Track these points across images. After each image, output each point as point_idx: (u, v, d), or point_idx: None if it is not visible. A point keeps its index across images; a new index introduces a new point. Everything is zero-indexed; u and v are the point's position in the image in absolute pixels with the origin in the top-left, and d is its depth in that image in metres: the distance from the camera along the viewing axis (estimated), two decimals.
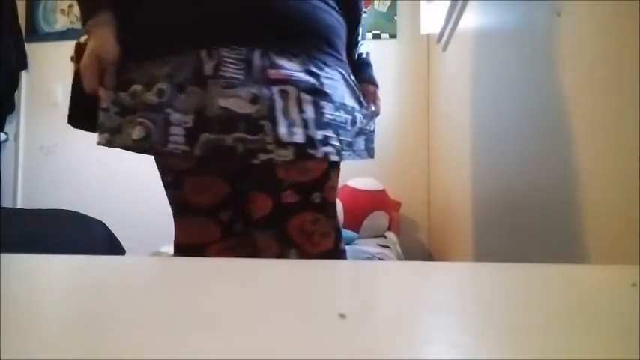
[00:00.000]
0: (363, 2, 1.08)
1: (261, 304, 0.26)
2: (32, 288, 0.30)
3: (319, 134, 0.83)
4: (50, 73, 2.97)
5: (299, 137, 0.81)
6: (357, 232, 2.22)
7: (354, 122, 0.92)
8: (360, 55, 1.11)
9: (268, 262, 0.40)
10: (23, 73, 3.02)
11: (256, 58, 0.82)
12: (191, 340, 0.20)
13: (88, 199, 2.83)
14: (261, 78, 0.81)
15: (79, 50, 0.91)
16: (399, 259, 2.00)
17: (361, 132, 0.96)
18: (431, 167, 2.60)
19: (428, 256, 2.61)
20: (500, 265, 0.38)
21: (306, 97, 0.83)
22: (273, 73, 0.82)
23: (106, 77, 0.88)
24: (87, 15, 0.89)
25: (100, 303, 0.27)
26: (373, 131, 1.03)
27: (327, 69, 0.88)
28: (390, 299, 0.28)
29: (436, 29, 2.12)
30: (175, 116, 0.81)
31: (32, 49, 3.01)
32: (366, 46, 1.13)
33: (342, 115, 0.88)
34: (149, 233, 2.43)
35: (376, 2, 2.74)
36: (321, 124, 0.84)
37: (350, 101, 0.92)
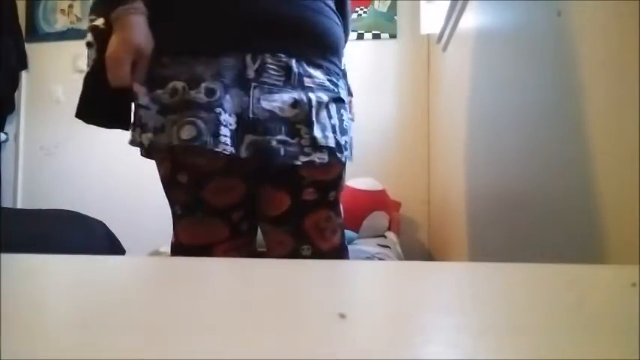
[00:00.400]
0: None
1: (261, 304, 0.26)
2: (32, 288, 0.30)
3: (343, 139, 0.93)
4: (50, 73, 2.97)
5: (331, 141, 0.89)
6: (357, 232, 2.22)
7: (350, 126, 1.00)
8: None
9: (268, 262, 0.40)
10: (23, 73, 3.02)
11: (294, 65, 0.87)
12: (191, 340, 0.20)
13: (88, 199, 2.83)
14: (298, 85, 0.88)
15: (100, 36, 0.83)
16: (399, 259, 1.99)
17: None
18: (431, 167, 2.60)
19: (428, 256, 2.61)
20: (500, 265, 0.38)
21: (332, 103, 0.91)
22: (307, 81, 0.89)
23: (139, 71, 0.83)
24: (117, 1, 0.82)
25: (100, 303, 0.27)
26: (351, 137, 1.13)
27: (340, 80, 0.97)
28: (390, 299, 0.28)
29: (436, 29, 2.12)
30: (224, 116, 0.82)
31: (32, 49, 3.01)
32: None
33: (349, 121, 0.98)
34: (149, 233, 2.43)
35: (376, 2, 2.73)
36: (343, 130, 0.93)
37: (347, 104, 1.01)
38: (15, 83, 2.97)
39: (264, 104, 0.84)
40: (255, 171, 0.95)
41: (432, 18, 2.14)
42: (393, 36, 2.72)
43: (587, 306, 0.26)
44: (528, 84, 0.95)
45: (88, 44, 0.86)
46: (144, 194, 2.64)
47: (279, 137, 0.85)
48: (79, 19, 2.97)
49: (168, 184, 0.93)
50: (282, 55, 0.87)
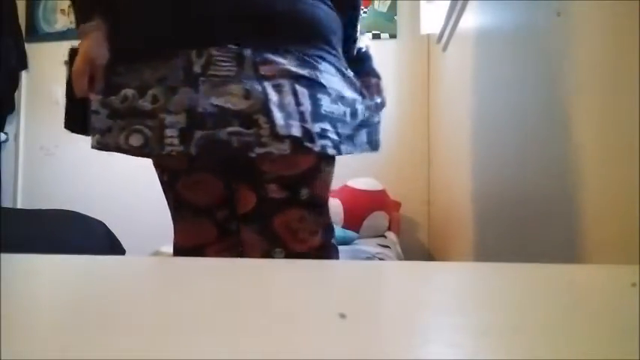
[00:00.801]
0: None
1: (261, 304, 0.26)
2: (32, 288, 0.30)
3: (317, 127, 0.81)
4: (50, 73, 2.97)
5: (296, 130, 0.79)
6: (357, 232, 2.22)
7: (354, 114, 0.90)
8: (360, 49, 1.10)
9: (268, 262, 0.40)
10: (23, 73, 3.02)
11: (247, 55, 0.82)
12: (191, 340, 0.20)
13: (88, 199, 2.83)
14: (253, 74, 0.81)
15: (73, 55, 0.92)
16: (399, 259, 1.99)
17: (363, 124, 0.94)
18: (431, 167, 2.60)
19: (428, 256, 2.61)
20: (500, 265, 0.38)
21: (302, 89, 0.82)
22: (264, 69, 0.81)
23: (96, 81, 0.89)
24: (79, 20, 0.91)
25: (100, 303, 0.27)
26: (378, 123, 1.00)
27: (322, 63, 0.87)
28: (390, 299, 0.28)
29: (436, 29, 2.12)
30: (169, 119, 0.82)
31: (32, 49, 3.01)
32: (364, 41, 1.13)
33: (340, 108, 0.87)
34: (149, 233, 2.43)
35: (376, 2, 2.73)
36: (318, 116, 0.82)
37: (349, 93, 0.90)
38: (15, 83, 2.97)
39: (213, 99, 0.80)
40: (229, 168, 0.94)
41: (432, 18, 2.14)
42: (393, 36, 2.72)
43: (587, 306, 0.26)
44: (528, 84, 0.95)
45: (65, 63, 0.94)
46: (144, 194, 2.64)
47: (230, 129, 0.80)
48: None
49: (161, 184, 1.00)
50: (232, 46, 0.82)
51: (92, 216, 2.11)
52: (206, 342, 0.20)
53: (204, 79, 0.81)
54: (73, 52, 0.92)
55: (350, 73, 0.95)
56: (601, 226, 0.64)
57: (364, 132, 0.95)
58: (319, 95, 0.84)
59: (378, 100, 1.05)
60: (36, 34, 3.03)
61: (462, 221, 1.66)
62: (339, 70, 0.91)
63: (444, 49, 2.05)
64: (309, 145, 0.80)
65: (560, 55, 0.78)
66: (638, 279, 0.30)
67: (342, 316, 0.23)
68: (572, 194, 0.73)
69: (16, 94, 3.00)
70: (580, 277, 0.34)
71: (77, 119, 0.95)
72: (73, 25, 2.94)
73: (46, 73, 2.98)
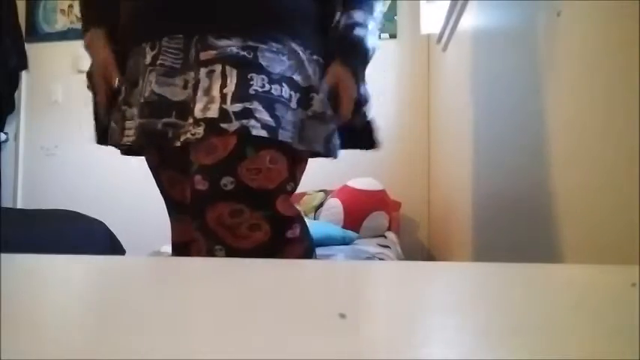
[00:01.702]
0: None
1: (261, 304, 0.26)
2: (32, 288, 0.30)
3: (237, 106, 0.74)
4: (50, 73, 2.97)
5: (212, 112, 0.74)
6: (357, 232, 2.22)
7: (302, 102, 0.81)
8: (348, 26, 0.87)
9: (268, 262, 0.40)
10: (23, 73, 3.02)
11: (192, 45, 0.80)
12: (191, 340, 0.20)
13: (88, 199, 2.83)
14: (194, 62, 0.80)
15: (90, 76, 0.95)
16: (399, 259, 1.99)
17: (319, 118, 0.83)
18: (431, 167, 2.60)
19: (428, 256, 2.61)
20: (500, 265, 0.38)
21: (232, 70, 0.76)
22: (204, 54, 0.78)
23: (112, 84, 0.92)
24: (82, 33, 0.94)
25: (100, 303, 0.27)
26: (334, 129, 0.87)
27: (272, 43, 0.79)
28: (390, 299, 0.28)
29: (436, 29, 2.12)
30: (130, 111, 0.86)
31: (32, 49, 3.01)
32: (370, 24, 0.89)
33: (284, 89, 0.78)
34: (149, 233, 2.43)
35: None
36: (244, 95, 0.75)
37: (299, 77, 0.81)
38: (15, 83, 2.97)
39: (156, 88, 0.80)
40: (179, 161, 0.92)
41: (432, 18, 2.13)
42: (393, 36, 2.72)
43: (587, 306, 0.26)
44: (528, 84, 0.95)
45: (88, 87, 0.96)
46: (144, 194, 2.64)
47: (165, 120, 0.78)
48: (79, 19, 2.97)
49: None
50: (180, 36, 0.81)
51: (92, 216, 2.11)
52: (205, 342, 0.20)
53: (151, 69, 0.82)
54: (90, 74, 0.95)
55: (316, 58, 0.85)
56: (601, 226, 0.64)
57: (322, 130, 0.84)
58: (251, 74, 0.76)
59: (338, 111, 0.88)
60: (36, 34, 3.03)
61: (461, 221, 1.66)
62: (295, 50, 0.82)
63: (444, 49, 2.05)
64: (223, 125, 0.73)
65: (560, 56, 0.78)
66: (638, 279, 0.30)
67: (342, 316, 0.23)
68: (572, 194, 0.73)
69: (16, 94, 3.00)
70: (580, 277, 0.34)
71: (105, 133, 0.97)
72: (73, 25, 2.97)
73: (46, 73, 2.98)
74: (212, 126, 0.74)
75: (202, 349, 0.19)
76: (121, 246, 2.12)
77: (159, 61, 0.81)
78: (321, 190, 2.48)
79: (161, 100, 0.79)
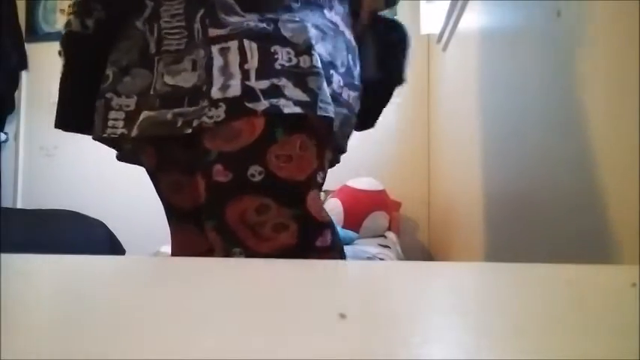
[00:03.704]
0: None
1: (261, 304, 0.26)
2: (32, 288, 0.30)
3: (263, 83, 0.65)
4: (50, 73, 2.97)
5: (234, 90, 0.64)
6: (357, 232, 2.22)
7: (340, 69, 0.75)
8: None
9: (268, 262, 0.40)
10: (23, 73, 3.02)
11: (197, 21, 0.70)
12: (191, 340, 0.20)
13: (88, 199, 2.83)
14: (202, 41, 0.69)
15: (69, 41, 0.80)
16: (399, 259, 1.99)
17: (336, 100, 0.72)
18: (431, 167, 2.60)
19: (428, 256, 2.61)
20: (500, 265, 0.38)
21: (250, 44, 0.67)
22: (212, 31, 0.68)
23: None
24: None
25: (100, 303, 0.27)
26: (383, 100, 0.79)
27: (294, 13, 0.71)
28: (390, 299, 0.28)
29: (436, 29, 2.12)
30: (116, 101, 0.73)
31: (32, 49, 3.01)
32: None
33: (313, 58, 0.69)
34: (149, 233, 2.43)
35: None
36: (270, 71, 0.66)
37: (323, 50, 0.72)
38: (15, 83, 2.98)
39: (167, 78, 0.70)
40: (186, 157, 0.82)
41: (432, 18, 2.13)
42: None
43: (587, 306, 0.26)
44: (528, 84, 0.95)
45: (59, 53, 0.82)
46: (144, 194, 2.64)
47: (176, 110, 0.68)
48: None
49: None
50: (180, 8, 0.70)
51: (92, 216, 2.11)
52: (205, 342, 0.20)
53: (159, 58, 0.72)
54: (68, 38, 0.80)
55: (347, 35, 0.79)
56: (601, 226, 0.64)
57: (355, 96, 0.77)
58: (274, 47, 0.67)
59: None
60: (36, 34, 3.03)
61: (461, 221, 1.66)
62: (317, 22, 0.73)
63: (444, 49, 2.05)
64: (249, 105, 0.64)
65: (560, 56, 0.78)
66: (638, 279, 0.30)
67: (342, 316, 0.23)
68: (571, 194, 0.73)
69: (16, 94, 3.00)
70: (580, 277, 0.34)
71: (71, 115, 0.84)
72: None
73: (46, 73, 2.98)
74: (235, 106, 0.64)
75: (202, 349, 0.19)
76: (121, 246, 2.13)
77: (163, 48, 0.71)
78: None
79: (174, 90, 0.69)
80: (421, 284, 0.32)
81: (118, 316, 0.24)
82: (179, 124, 0.67)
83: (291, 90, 0.65)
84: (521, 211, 0.98)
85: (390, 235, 2.32)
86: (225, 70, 0.66)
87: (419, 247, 2.65)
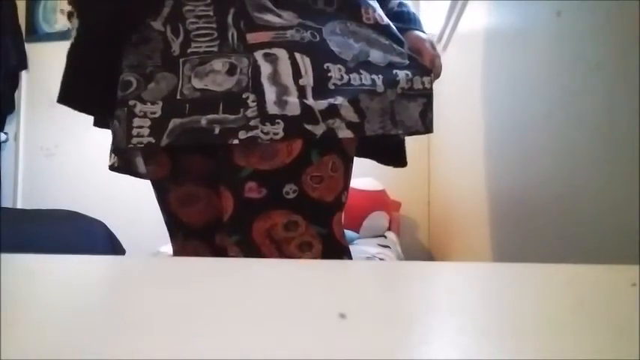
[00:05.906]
0: None
1: (261, 304, 0.26)
2: (32, 288, 0.30)
3: (322, 103, 0.64)
4: (50, 73, 2.97)
5: (293, 108, 0.63)
6: (357, 232, 2.22)
7: (391, 83, 0.71)
8: (396, 5, 0.89)
9: (268, 262, 0.40)
10: (23, 73, 3.02)
11: (230, 22, 0.66)
12: (191, 340, 0.20)
13: (88, 199, 2.83)
14: (239, 45, 0.66)
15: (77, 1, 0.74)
16: (399, 259, 1.99)
17: (408, 95, 0.73)
18: (431, 167, 2.60)
19: (428, 256, 2.61)
20: (500, 265, 0.38)
21: (303, 57, 0.65)
22: (252, 37, 0.65)
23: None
24: None
25: (100, 303, 0.27)
26: (427, 103, 0.79)
27: (334, 21, 0.69)
28: (390, 299, 0.28)
29: (436, 29, 2.12)
30: (140, 107, 0.69)
31: (32, 49, 3.01)
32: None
33: (362, 76, 0.68)
34: (149, 233, 2.43)
35: None
36: (326, 90, 0.65)
37: (380, 57, 0.71)
38: (15, 83, 2.98)
39: (195, 82, 0.66)
40: (209, 169, 0.79)
41: (432, 18, 2.14)
42: None
43: (587, 306, 0.26)
44: (529, 84, 0.95)
45: (68, 15, 0.76)
46: (144, 194, 2.64)
47: (210, 116, 0.64)
48: None
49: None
50: (209, 12, 0.67)
51: (92, 216, 2.11)
52: (205, 342, 0.20)
53: (185, 60, 0.68)
54: None
55: (385, 22, 0.76)
56: (601, 226, 0.64)
57: (414, 105, 0.75)
58: (327, 64, 0.67)
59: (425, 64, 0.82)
60: (36, 34, 3.03)
61: (462, 221, 1.66)
62: (361, 27, 0.71)
63: (444, 49, 2.05)
64: (309, 127, 0.63)
65: (560, 56, 0.78)
66: (638, 279, 0.30)
67: (342, 316, 0.23)
68: (571, 194, 0.73)
69: (16, 94, 3.00)
70: (580, 277, 0.34)
71: (77, 90, 0.76)
72: None
73: (46, 73, 2.98)
74: (294, 126, 0.62)
75: (202, 349, 0.19)
76: (121, 246, 2.13)
77: (190, 50, 0.67)
78: None
79: (205, 94, 0.66)
80: (421, 284, 0.32)
81: (117, 316, 0.24)
82: (216, 131, 0.64)
83: (345, 109, 0.66)
84: (522, 211, 0.98)
85: (390, 235, 2.32)
86: (275, 80, 0.64)
87: (419, 247, 2.65)
